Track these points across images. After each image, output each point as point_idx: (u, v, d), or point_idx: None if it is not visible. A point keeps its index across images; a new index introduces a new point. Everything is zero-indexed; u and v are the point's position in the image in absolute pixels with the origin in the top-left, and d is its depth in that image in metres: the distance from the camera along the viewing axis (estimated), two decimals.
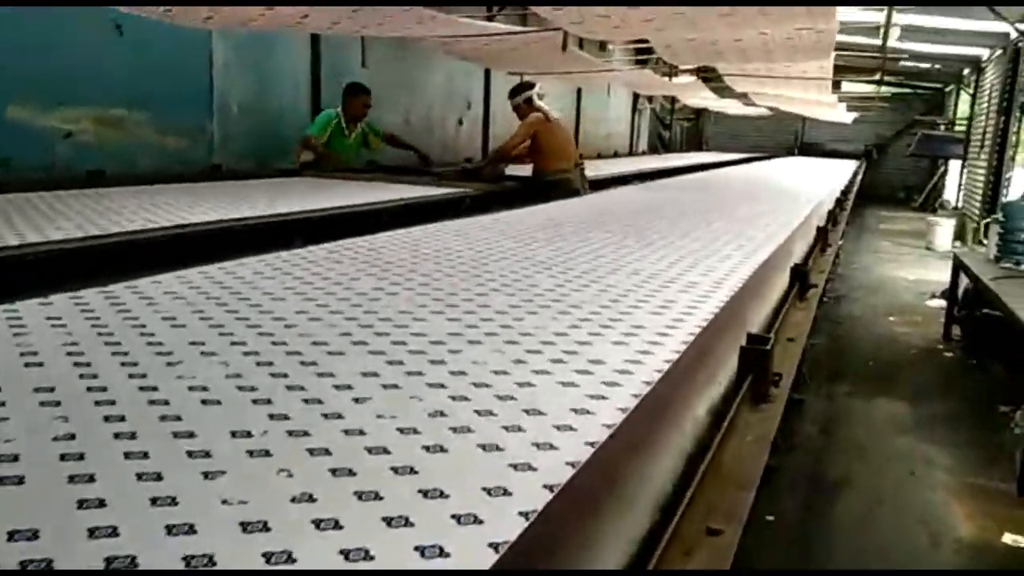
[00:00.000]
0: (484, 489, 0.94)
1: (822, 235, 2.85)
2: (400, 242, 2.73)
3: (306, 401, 1.20)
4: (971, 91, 13.38)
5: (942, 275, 7.70)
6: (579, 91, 11.57)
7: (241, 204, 3.54)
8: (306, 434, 1.08)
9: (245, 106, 5.64)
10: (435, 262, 2.38)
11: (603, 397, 1.27)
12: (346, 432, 1.09)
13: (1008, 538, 2.76)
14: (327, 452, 1.02)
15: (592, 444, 1.07)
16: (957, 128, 15.41)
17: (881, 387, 4.38)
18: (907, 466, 3.34)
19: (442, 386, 1.28)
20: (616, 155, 12.47)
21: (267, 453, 1.02)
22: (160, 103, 4.98)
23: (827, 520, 2.82)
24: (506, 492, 0.93)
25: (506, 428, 1.12)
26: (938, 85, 16.79)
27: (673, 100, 16.08)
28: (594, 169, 8.01)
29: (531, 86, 5.79)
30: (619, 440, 1.05)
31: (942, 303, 6.55)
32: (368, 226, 3.24)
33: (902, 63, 13.24)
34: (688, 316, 1.82)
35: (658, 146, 16.41)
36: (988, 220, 6.16)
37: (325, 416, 1.14)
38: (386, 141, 6.07)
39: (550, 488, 0.94)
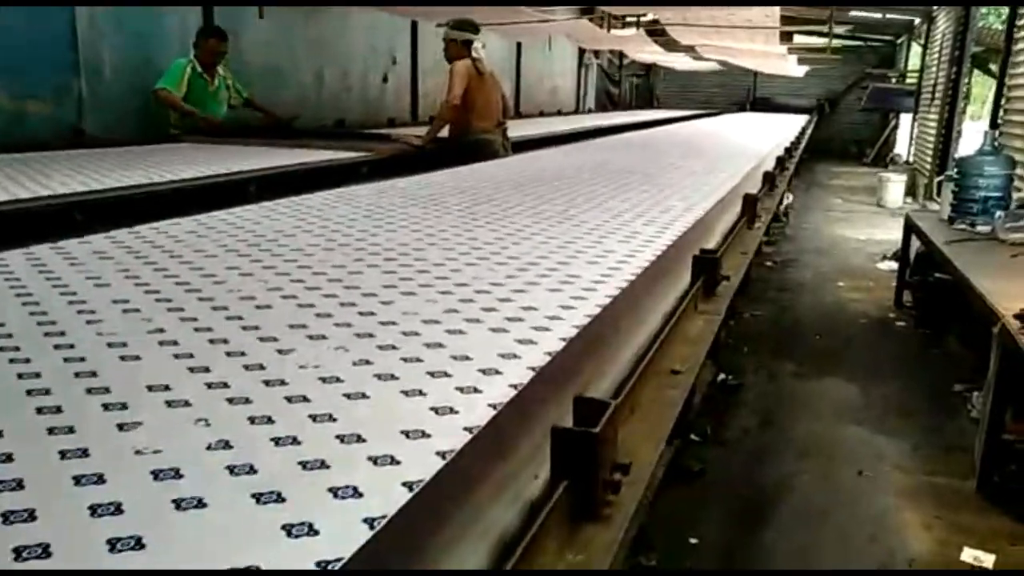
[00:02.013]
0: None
1: (750, 206, 2.38)
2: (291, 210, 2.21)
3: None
4: (922, 42, 13.05)
5: (893, 234, 7.36)
6: (519, 45, 10.94)
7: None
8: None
9: (120, 67, 4.97)
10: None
11: None
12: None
13: (968, 555, 2.37)
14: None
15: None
16: (908, 81, 15.14)
17: (829, 365, 3.98)
18: (856, 464, 2.93)
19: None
20: (561, 113, 11.91)
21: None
22: (15, 64, 4.31)
23: (762, 542, 2.39)
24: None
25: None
26: (889, 37, 16.47)
27: (621, 56, 15.52)
28: (532, 127, 7.51)
29: (476, 30, 5.15)
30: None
31: (893, 265, 6.19)
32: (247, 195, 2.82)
33: (852, 13, 12.83)
34: (558, 321, 1.34)
35: (607, 103, 15.85)
36: (941, 178, 5.77)
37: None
38: (246, 104, 5.40)
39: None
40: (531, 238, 2.08)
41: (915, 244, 5.01)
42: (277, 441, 0.90)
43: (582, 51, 13.77)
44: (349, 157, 4.10)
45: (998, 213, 4.08)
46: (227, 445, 0.89)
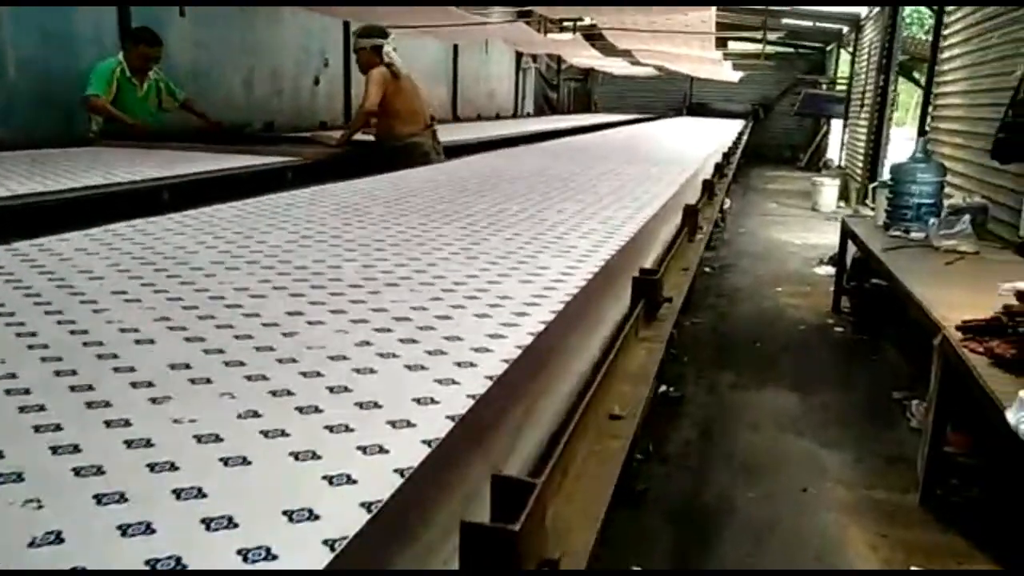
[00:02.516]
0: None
1: (690, 217, 2.26)
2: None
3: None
4: (851, 50, 13.36)
5: (828, 237, 7.46)
6: (455, 48, 10.78)
7: None
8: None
9: (27, 69, 4.64)
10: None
11: None
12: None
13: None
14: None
15: None
16: (838, 87, 15.49)
17: (769, 374, 3.93)
18: (800, 479, 2.86)
19: None
20: (499, 116, 11.80)
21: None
22: None
23: (707, 566, 2.29)
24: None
25: None
26: (819, 44, 16.84)
27: (559, 60, 15.49)
28: (467, 131, 7.34)
29: (385, 35, 4.99)
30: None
31: (830, 270, 6.24)
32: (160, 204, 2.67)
33: (784, 20, 13.07)
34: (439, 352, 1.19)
35: (545, 107, 15.80)
36: (876, 184, 5.83)
37: None
38: (182, 107, 5.11)
39: None
40: (460, 253, 1.93)
41: (851, 249, 5.03)
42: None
43: (520, 55, 13.69)
44: (274, 162, 3.88)
45: (931, 220, 4.10)
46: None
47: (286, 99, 7.31)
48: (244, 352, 1.19)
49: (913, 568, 2.36)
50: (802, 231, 8.39)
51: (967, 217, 3.97)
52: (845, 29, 13.82)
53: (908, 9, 11.58)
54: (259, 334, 1.28)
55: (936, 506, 2.64)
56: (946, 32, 6.68)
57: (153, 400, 1.01)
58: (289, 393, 1.03)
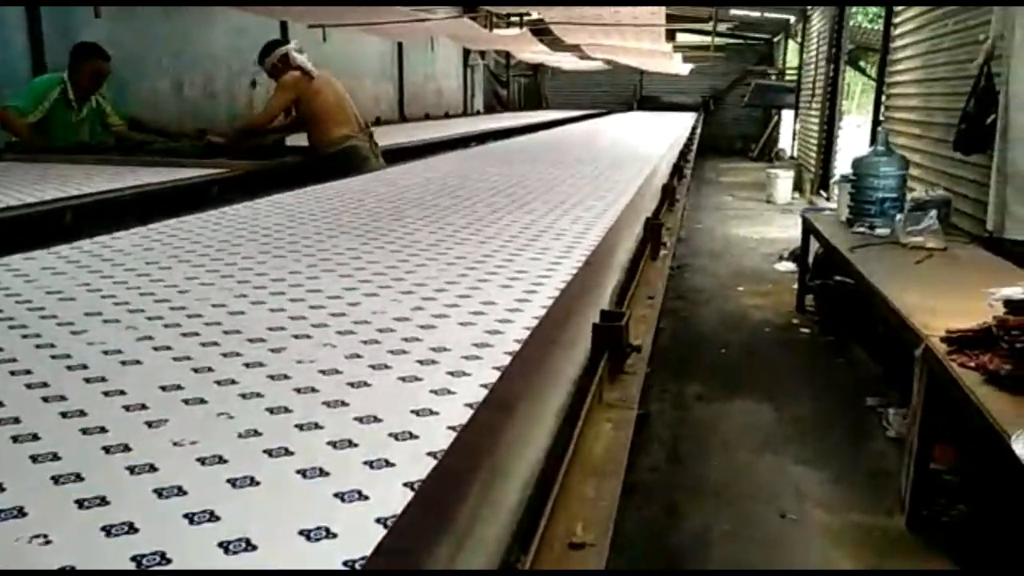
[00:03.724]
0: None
1: (653, 233, 1.98)
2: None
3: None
4: (799, 40, 13.35)
5: (786, 231, 7.35)
6: (399, 46, 10.45)
7: None
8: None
9: None
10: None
11: None
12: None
13: None
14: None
15: None
16: (787, 78, 15.52)
17: (736, 383, 3.74)
18: (777, 503, 2.66)
19: None
20: (448, 115, 11.49)
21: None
22: None
23: None
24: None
25: None
26: (767, 35, 16.86)
27: (508, 56, 15.22)
28: (409, 133, 7.03)
29: (282, 43, 4.68)
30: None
31: (790, 266, 6.11)
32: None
33: (733, 12, 12.99)
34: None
35: (495, 104, 15.53)
36: (837, 179, 5.69)
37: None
38: (131, 127, 4.70)
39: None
40: (390, 287, 1.65)
41: (813, 245, 4.88)
42: None
43: (467, 52, 13.39)
44: (196, 175, 3.55)
45: (897, 216, 3.94)
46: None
47: (221, 104, 6.92)
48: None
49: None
50: (759, 225, 8.28)
51: (933, 212, 3.82)
52: (792, 19, 13.81)
53: None
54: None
55: (925, 529, 2.46)
56: (897, 20, 6.58)
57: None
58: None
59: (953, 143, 4.22)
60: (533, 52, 12.35)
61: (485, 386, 1.09)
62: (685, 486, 2.78)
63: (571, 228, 2.33)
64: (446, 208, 2.74)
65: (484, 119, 11.37)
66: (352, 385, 1.11)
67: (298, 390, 1.09)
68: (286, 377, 1.14)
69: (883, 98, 6.85)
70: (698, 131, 8.83)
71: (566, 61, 14.26)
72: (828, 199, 8.60)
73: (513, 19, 9.57)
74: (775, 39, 16.76)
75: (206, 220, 2.47)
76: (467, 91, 13.86)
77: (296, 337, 1.32)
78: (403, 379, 1.14)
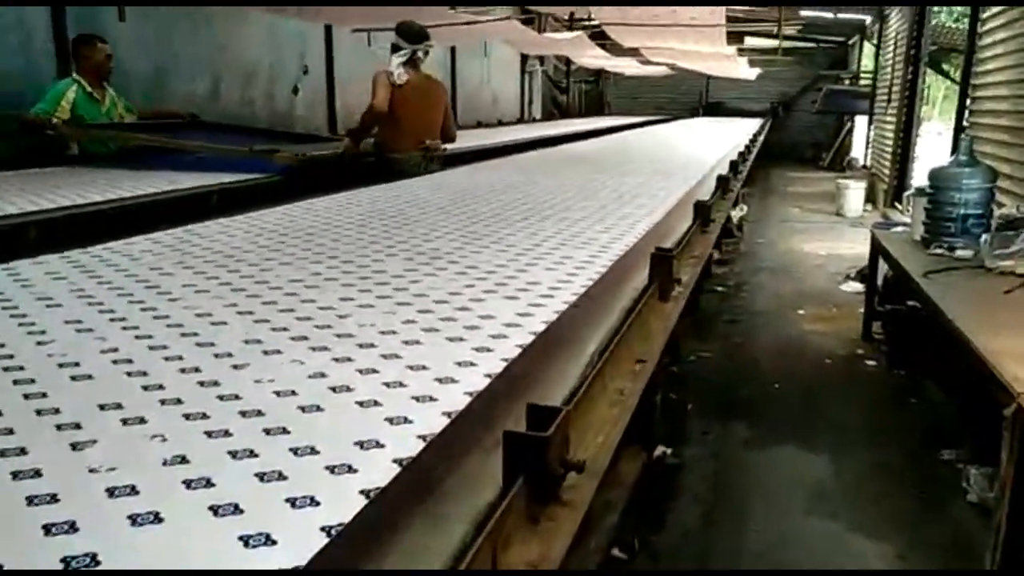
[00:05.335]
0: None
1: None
2: None
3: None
4: (875, 42, 12.60)
5: (856, 247, 6.77)
6: (452, 51, 10.18)
7: None
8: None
9: None
10: None
11: None
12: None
13: None
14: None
15: None
16: (862, 82, 14.71)
17: (789, 426, 3.28)
18: None
19: None
20: (501, 123, 11.17)
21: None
22: None
23: None
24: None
25: None
26: (840, 38, 16.06)
27: (568, 62, 14.84)
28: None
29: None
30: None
31: (858, 287, 5.56)
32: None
33: (803, 13, 12.33)
34: None
35: (554, 111, 15.16)
36: (911, 192, 5.13)
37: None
38: (141, 117, 4.67)
39: None
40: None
41: (883, 266, 4.36)
42: None
43: (525, 57, 13.08)
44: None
45: (983, 236, 3.42)
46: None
47: (260, 109, 6.75)
48: None
49: None
50: (826, 240, 7.68)
51: None
52: (868, 20, 13.07)
53: None
54: None
55: None
56: (985, 16, 5.97)
57: None
58: None
59: None
60: (592, 57, 11.97)
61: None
62: (720, 557, 2.36)
63: (545, 276, 1.74)
64: (464, 220, 2.40)
65: (540, 126, 11.02)
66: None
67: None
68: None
69: (968, 103, 6.23)
70: (760, 139, 8.30)
71: (627, 66, 13.83)
72: (903, 212, 7.96)
73: (565, 21, 9.20)
74: (849, 42, 15.94)
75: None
76: (524, 97, 13.54)
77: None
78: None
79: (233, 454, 0.87)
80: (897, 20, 10.52)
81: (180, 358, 1.17)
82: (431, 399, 1.01)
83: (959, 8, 15.75)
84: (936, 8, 10.64)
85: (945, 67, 14.79)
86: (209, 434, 0.92)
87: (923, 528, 2.52)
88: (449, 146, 4.84)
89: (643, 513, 2.50)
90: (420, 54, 4.62)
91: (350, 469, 0.83)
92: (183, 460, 0.86)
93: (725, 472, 2.91)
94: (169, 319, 1.38)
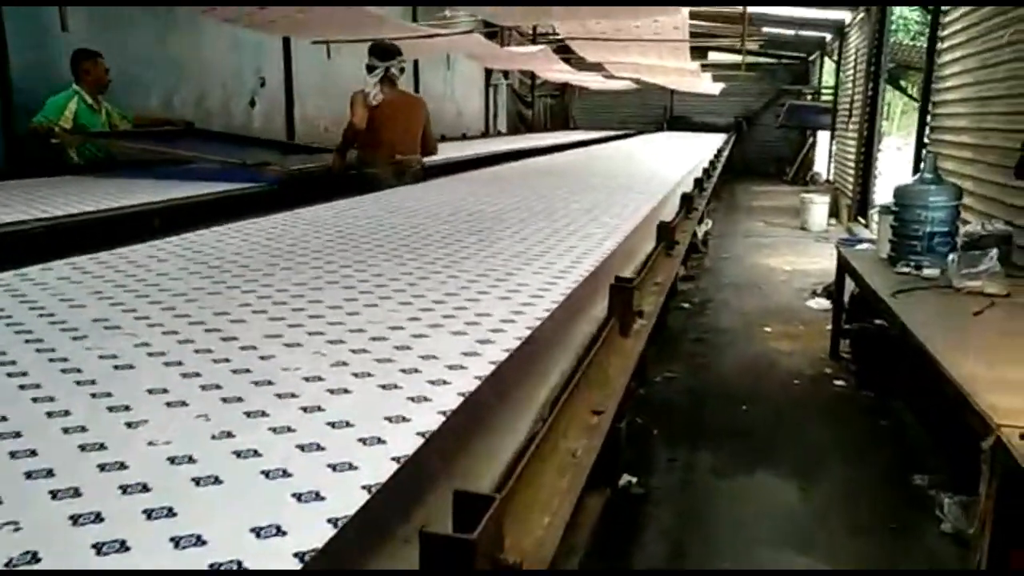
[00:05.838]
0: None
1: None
2: None
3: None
4: (835, 58, 12.73)
5: (821, 262, 6.74)
6: (415, 64, 10.03)
7: None
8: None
9: None
10: None
11: None
12: None
13: None
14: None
15: None
16: (824, 98, 14.88)
17: (758, 451, 3.18)
18: None
19: None
20: (465, 137, 11.04)
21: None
22: None
23: None
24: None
25: None
26: (802, 54, 16.24)
27: (533, 76, 14.78)
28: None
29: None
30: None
31: (824, 303, 5.51)
32: None
33: (764, 29, 12.41)
34: None
35: (520, 125, 15.09)
36: (877, 209, 5.09)
37: None
38: (136, 126, 4.86)
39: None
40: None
41: (849, 284, 4.30)
42: None
43: (489, 71, 12.99)
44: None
45: (950, 255, 3.36)
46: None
47: (216, 123, 6.52)
48: None
49: None
50: (791, 255, 7.67)
51: (994, 252, 3.24)
52: (828, 36, 13.21)
53: (894, 13, 10.96)
54: None
55: None
56: (944, 33, 5.99)
57: None
58: None
59: (1015, 169, 3.65)
60: (557, 71, 11.90)
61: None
62: None
63: (498, 307, 1.57)
64: (403, 247, 2.25)
65: (502, 140, 10.92)
66: None
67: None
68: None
69: (928, 118, 6.25)
70: (725, 154, 8.28)
71: (592, 81, 13.80)
72: (867, 226, 7.98)
73: (527, 35, 9.12)
74: (810, 57, 16.12)
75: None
76: (488, 111, 13.44)
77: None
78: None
79: None
80: (856, 37, 10.63)
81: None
82: (351, 467, 0.87)
83: (915, 27, 16.04)
84: (893, 27, 10.78)
85: (903, 83, 15.02)
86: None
87: (898, 559, 2.43)
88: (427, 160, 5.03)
89: (606, 551, 2.37)
90: (394, 70, 4.78)
91: (239, 566, 0.68)
92: None
93: (693, 502, 2.79)
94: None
